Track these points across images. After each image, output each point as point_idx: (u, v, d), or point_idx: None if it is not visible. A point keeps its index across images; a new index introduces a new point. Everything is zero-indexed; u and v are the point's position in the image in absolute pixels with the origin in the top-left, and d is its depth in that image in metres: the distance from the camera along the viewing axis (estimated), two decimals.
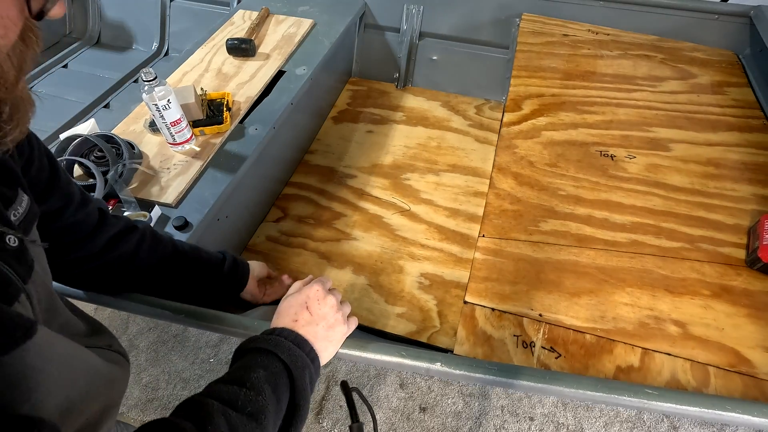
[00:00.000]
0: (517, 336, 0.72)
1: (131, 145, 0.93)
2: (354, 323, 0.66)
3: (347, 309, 0.65)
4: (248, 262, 0.81)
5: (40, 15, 0.30)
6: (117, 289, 0.68)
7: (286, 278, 0.86)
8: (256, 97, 1.09)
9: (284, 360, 0.52)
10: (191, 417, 0.40)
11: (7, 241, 0.35)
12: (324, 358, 0.60)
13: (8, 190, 0.39)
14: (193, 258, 0.73)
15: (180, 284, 0.73)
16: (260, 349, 0.53)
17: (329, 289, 0.65)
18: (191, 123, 0.98)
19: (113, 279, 0.66)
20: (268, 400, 0.47)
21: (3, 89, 0.30)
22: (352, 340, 0.64)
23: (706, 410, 0.55)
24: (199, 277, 0.73)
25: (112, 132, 0.94)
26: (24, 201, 0.41)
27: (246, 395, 0.45)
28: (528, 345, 0.70)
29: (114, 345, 0.49)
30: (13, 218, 0.38)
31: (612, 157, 0.98)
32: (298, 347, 0.55)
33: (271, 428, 0.46)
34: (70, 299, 0.53)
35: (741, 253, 0.82)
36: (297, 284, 0.68)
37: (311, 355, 0.56)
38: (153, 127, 0.99)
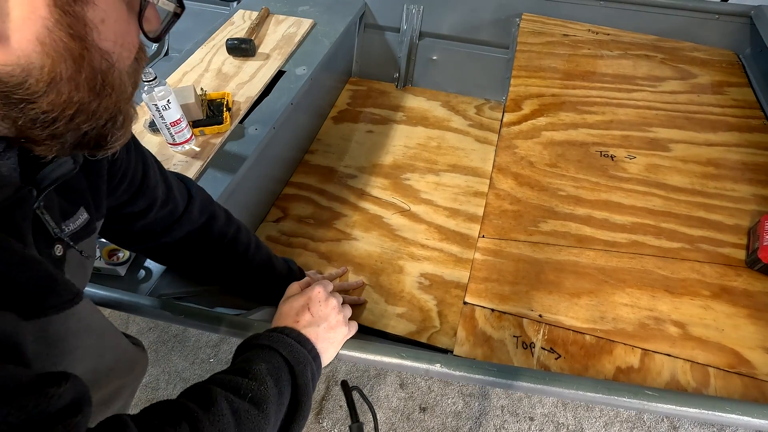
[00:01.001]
0: (517, 337, 0.72)
1: None
2: (354, 327, 0.66)
3: (348, 312, 0.66)
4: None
5: (155, 39, 0.36)
6: (179, 269, 0.75)
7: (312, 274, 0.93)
8: (256, 97, 1.09)
9: (286, 356, 0.52)
10: (195, 399, 0.41)
11: (54, 250, 0.40)
12: (325, 359, 0.60)
13: (69, 206, 0.43)
14: (260, 271, 0.78)
15: (240, 284, 0.80)
16: (262, 345, 0.53)
17: (330, 293, 0.66)
18: (191, 123, 0.98)
19: (180, 264, 0.73)
20: (270, 391, 0.47)
21: (123, 101, 0.35)
22: (352, 340, 0.64)
23: (705, 411, 0.55)
24: (262, 285, 0.80)
25: None
26: (81, 218, 0.45)
27: (248, 384, 0.46)
28: (528, 346, 0.70)
29: (131, 338, 0.52)
30: (65, 229, 0.42)
31: (612, 157, 0.98)
32: (300, 345, 0.55)
33: (273, 419, 0.46)
34: None
35: (741, 254, 0.82)
36: (294, 285, 0.68)
37: (313, 353, 0.56)
38: (153, 127, 0.99)
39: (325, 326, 0.60)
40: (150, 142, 0.97)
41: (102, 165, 0.49)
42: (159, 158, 0.94)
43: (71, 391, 0.28)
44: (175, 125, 0.90)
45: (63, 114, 0.31)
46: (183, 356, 1.41)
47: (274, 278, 0.80)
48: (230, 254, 0.72)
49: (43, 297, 0.33)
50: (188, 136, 0.94)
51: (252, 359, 0.50)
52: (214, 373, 0.49)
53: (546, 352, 0.70)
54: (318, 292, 0.63)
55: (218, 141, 0.98)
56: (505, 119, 1.07)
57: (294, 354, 0.53)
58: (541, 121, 1.07)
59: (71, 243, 0.42)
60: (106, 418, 0.32)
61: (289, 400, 0.50)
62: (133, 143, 0.56)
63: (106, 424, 0.31)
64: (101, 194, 0.50)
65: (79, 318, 0.37)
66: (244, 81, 1.13)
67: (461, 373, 0.61)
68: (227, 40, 1.18)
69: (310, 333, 0.58)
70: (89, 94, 0.31)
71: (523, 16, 1.37)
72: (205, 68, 1.17)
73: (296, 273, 0.86)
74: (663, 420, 1.15)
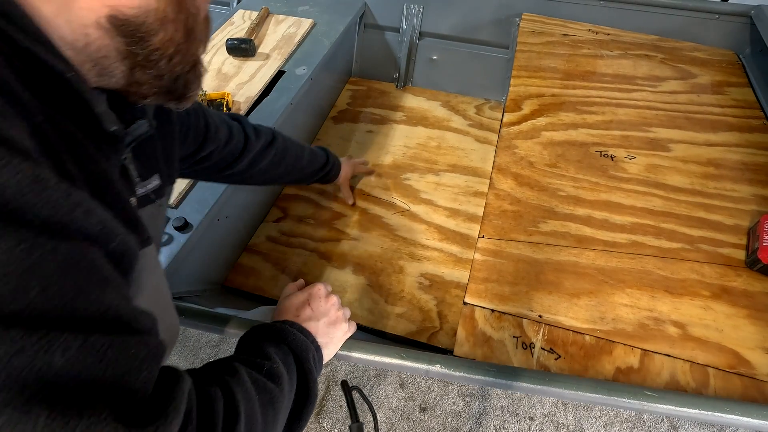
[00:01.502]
0: (517, 337, 0.72)
1: None
2: (353, 326, 0.66)
3: (347, 312, 0.66)
4: (340, 162, 1.09)
5: None
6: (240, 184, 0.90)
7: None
8: (256, 97, 1.09)
9: (289, 343, 0.52)
10: (220, 369, 0.42)
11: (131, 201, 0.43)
12: (324, 355, 0.60)
13: (145, 171, 0.47)
14: (308, 163, 0.96)
15: (289, 179, 1.02)
16: (265, 334, 0.53)
17: (329, 292, 0.66)
18: None
19: (247, 183, 0.89)
20: (281, 369, 0.47)
21: (201, 49, 0.40)
22: (352, 340, 0.64)
23: (705, 412, 0.55)
24: (305, 177, 1.00)
25: None
26: (153, 183, 0.49)
27: (261, 362, 0.47)
28: (528, 346, 0.71)
29: None
30: (139, 190, 0.46)
31: (612, 157, 0.98)
32: (302, 334, 0.55)
33: (287, 395, 0.47)
34: None
35: (741, 254, 0.82)
36: (291, 286, 0.68)
37: (314, 343, 0.56)
38: None
39: (325, 321, 0.61)
40: None
41: (174, 128, 0.54)
42: None
43: (157, 340, 0.31)
44: None
45: (166, 52, 0.35)
46: (183, 356, 1.41)
47: (317, 168, 1.00)
48: (283, 163, 0.87)
49: (134, 230, 0.37)
50: None
51: (258, 346, 0.50)
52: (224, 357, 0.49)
53: (546, 352, 0.70)
54: (318, 289, 0.64)
55: None
56: (505, 119, 1.07)
57: (297, 342, 0.53)
58: (541, 121, 1.07)
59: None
60: (163, 367, 0.33)
61: (297, 386, 0.50)
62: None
63: (164, 370, 0.32)
64: (174, 160, 0.54)
65: (148, 259, 0.40)
66: (244, 81, 1.13)
67: (461, 374, 0.61)
68: (227, 40, 1.18)
69: (310, 327, 0.58)
70: (184, 35, 0.36)
71: (523, 16, 1.37)
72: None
73: (332, 161, 1.04)
74: (663, 420, 1.15)
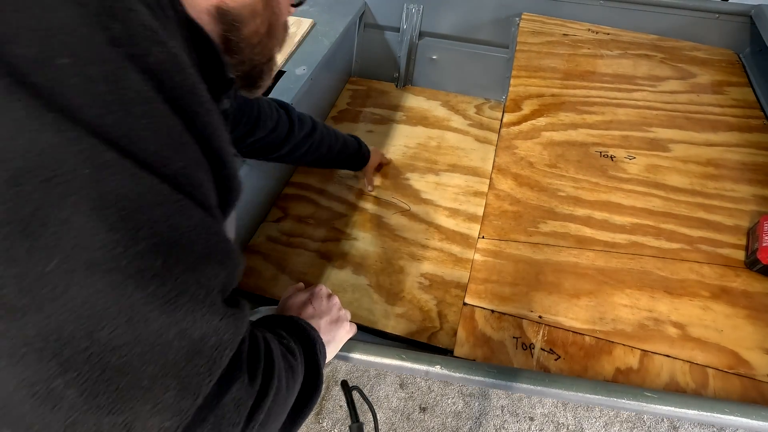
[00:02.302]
0: (517, 338, 0.72)
1: None
2: (354, 328, 0.66)
3: (348, 314, 0.66)
4: (370, 151, 1.15)
5: (298, 4, 0.49)
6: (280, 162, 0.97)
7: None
8: None
9: (297, 334, 0.52)
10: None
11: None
12: (327, 353, 0.60)
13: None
14: (340, 152, 1.04)
15: (323, 164, 1.07)
16: (272, 323, 0.53)
17: (331, 293, 0.66)
18: None
19: (284, 162, 0.97)
20: (295, 348, 0.48)
21: (277, 49, 0.47)
22: (352, 341, 0.65)
23: (704, 413, 0.56)
24: (338, 163, 1.10)
25: None
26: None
27: (278, 334, 0.48)
28: (528, 347, 0.71)
29: None
30: None
31: (612, 157, 0.98)
32: (305, 327, 0.55)
33: (301, 371, 0.47)
34: None
35: (740, 255, 0.82)
36: (292, 288, 0.69)
37: (319, 338, 0.56)
38: None
39: (327, 320, 0.61)
40: None
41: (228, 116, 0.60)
42: None
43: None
44: None
45: (251, 41, 0.42)
46: None
47: (349, 156, 1.08)
48: (319, 150, 0.96)
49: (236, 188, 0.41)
50: None
51: (270, 327, 0.50)
52: None
53: (545, 353, 0.70)
54: (320, 289, 0.65)
55: None
56: (504, 119, 1.07)
57: (304, 332, 0.53)
58: (541, 121, 1.07)
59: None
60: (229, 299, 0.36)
61: (305, 372, 0.50)
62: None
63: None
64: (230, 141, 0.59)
65: (230, 220, 0.48)
66: None
67: (461, 375, 0.61)
68: None
69: (313, 324, 0.58)
70: (267, 30, 0.43)
71: (522, 16, 1.36)
72: None
73: (364, 149, 1.12)
74: (663, 420, 1.15)
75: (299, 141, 0.89)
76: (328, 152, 0.99)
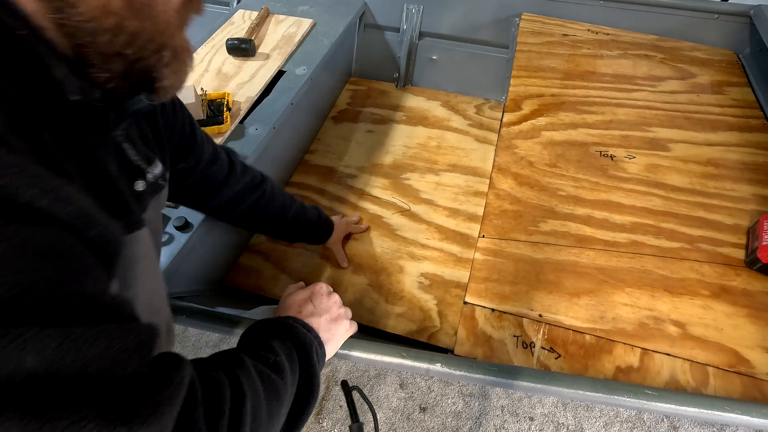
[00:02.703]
0: (517, 336, 0.72)
1: None
2: (354, 326, 0.66)
3: (349, 312, 0.66)
4: (333, 220, 1.01)
5: None
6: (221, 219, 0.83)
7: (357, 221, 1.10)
8: (256, 97, 1.09)
9: (292, 339, 0.52)
10: (226, 359, 0.43)
11: (135, 186, 0.43)
12: (327, 352, 0.60)
13: (151, 154, 0.47)
14: (297, 216, 0.88)
15: (273, 230, 0.91)
16: (268, 329, 0.53)
17: (331, 291, 0.66)
18: None
19: (229, 221, 0.82)
20: (285, 362, 0.47)
21: (168, 35, 0.35)
22: (352, 340, 0.64)
23: (705, 411, 0.55)
24: (292, 233, 0.92)
25: None
26: (158, 168, 0.47)
27: (265, 354, 0.47)
28: (528, 345, 0.71)
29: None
30: (148, 175, 0.45)
31: (612, 157, 0.99)
32: (305, 329, 0.55)
33: (290, 388, 0.47)
34: None
35: (740, 254, 0.82)
36: (292, 287, 0.69)
37: (317, 339, 0.56)
38: None
39: (327, 317, 0.61)
40: None
41: (159, 122, 0.52)
42: None
43: (146, 328, 0.29)
44: None
45: (103, 24, 0.31)
46: None
47: (307, 224, 0.93)
48: (269, 209, 0.82)
49: (125, 212, 0.37)
50: None
51: (262, 338, 0.50)
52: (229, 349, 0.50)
53: (546, 351, 0.70)
54: (321, 287, 0.65)
55: (219, 141, 0.98)
56: (504, 119, 1.07)
57: (300, 337, 0.53)
58: (541, 121, 1.07)
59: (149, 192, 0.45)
60: (162, 353, 0.32)
61: (300, 380, 0.50)
62: (179, 106, 0.60)
63: (163, 357, 0.31)
64: (166, 149, 0.52)
65: (141, 243, 0.40)
66: (244, 81, 1.13)
67: (462, 373, 0.61)
68: (227, 40, 1.18)
69: (312, 323, 0.59)
70: (127, 8, 0.31)
71: (522, 16, 1.37)
72: (205, 68, 1.17)
73: (324, 218, 0.97)
74: (663, 420, 1.15)
75: (242, 189, 0.75)
76: (281, 214, 0.85)
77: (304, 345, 0.53)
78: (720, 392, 0.65)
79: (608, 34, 1.32)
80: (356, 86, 1.55)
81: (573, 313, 0.74)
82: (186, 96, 0.96)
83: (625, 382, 0.66)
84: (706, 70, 1.20)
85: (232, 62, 1.19)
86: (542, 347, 0.70)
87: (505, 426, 1.09)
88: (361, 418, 0.70)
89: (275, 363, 0.46)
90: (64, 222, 0.26)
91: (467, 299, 0.77)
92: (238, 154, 0.80)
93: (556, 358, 0.69)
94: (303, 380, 0.50)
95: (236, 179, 0.74)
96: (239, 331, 0.65)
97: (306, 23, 1.33)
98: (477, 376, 0.61)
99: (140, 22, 0.33)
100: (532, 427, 1.13)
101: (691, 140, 1.02)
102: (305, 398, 0.49)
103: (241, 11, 1.37)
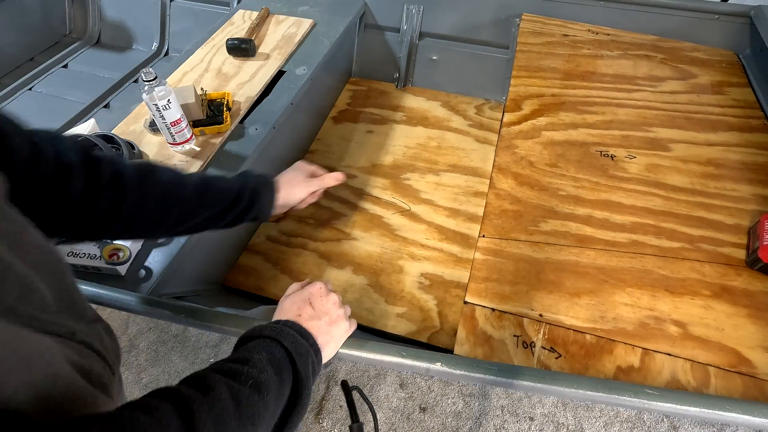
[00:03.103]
0: (518, 336, 0.71)
1: (131, 145, 0.93)
2: (354, 324, 0.66)
3: (348, 310, 0.66)
4: (276, 181, 0.73)
5: None
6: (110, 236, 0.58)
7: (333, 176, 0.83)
8: (256, 97, 1.09)
9: (287, 347, 0.52)
10: (193, 385, 0.40)
11: None
12: (326, 354, 0.60)
13: None
14: (205, 193, 0.63)
15: (187, 226, 0.63)
16: (263, 336, 0.53)
17: (330, 290, 0.66)
18: (191, 123, 0.98)
19: (99, 232, 0.56)
20: (271, 379, 0.47)
21: None
22: (352, 339, 0.64)
23: (706, 410, 0.55)
24: (209, 219, 0.65)
25: (112, 132, 0.94)
26: None
27: (249, 371, 0.45)
28: (528, 345, 0.70)
29: (78, 335, 0.36)
30: None
31: (612, 157, 0.98)
32: (302, 337, 0.55)
33: (272, 406, 0.46)
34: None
35: (741, 254, 0.82)
36: (294, 285, 0.68)
37: (314, 346, 0.56)
38: (153, 127, 0.99)
39: (327, 320, 0.61)
40: (150, 141, 0.97)
41: None
42: (159, 158, 0.95)
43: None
44: (175, 125, 0.90)
45: None
46: (183, 356, 1.41)
47: (219, 199, 0.65)
48: (152, 203, 0.58)
49: None
50: (188, 136, 0.94)
51: (253, 349, 0.50)
52: (214, 362, 0.48)
53: (546, 351, 0.70)
54: (319, 287, 0.64)
55: (218, 141, 0.98)
56: (505, 119, 1.07)
57: (296, 345, 0.53)
58: (541, 121, 1.07)
59: None
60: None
61: (290, 392, 0.49)
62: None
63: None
64: None
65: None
66: (244, 81, 1.13)
67: (462, 372, 0.61)
68: (227, 40, 1.18)
69: (311, 327, 0.58)
70: None
71: (523, 17, 1.37)
72: (205, 68, 1.18)
73: (252, 182, 0.68)
74: (663, 420, 1.15)
75: (87, 189, 0.50)
76: (172, 200, 0.59)
77: (299, 355, 0.52)
78: (721, 392, 0.65)
79: (608, 35, 1.32)
80: (356, 86, 1.55)
81: (573, 312, 0.74)
82: (186, 96, 0.97)
83: (626, 381, 0.66)
84: (706, 71, 1.20)
85: (232, 62, 1.19)
86: (543, 347, 0.70)
87: (505, 426, 1.08)
88: (361, 418, 0.70)
89: (257, 383, 0.45)
90: None
91: (467, 299, 0.76)
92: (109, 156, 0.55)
93: (556, 358, 0.69)
94: (292, 392, 0.50)
95: (76, 176, 0.50)
96: (239, 331, 0.65)
97: (306, 23, 1.33)
98: (477, 375, 0.61)
99: None
100: (532, 427, 1.13)
101: (692, 140, 1.02)
102: (290, 411, 0.49)
103: (241, 11, 1.37)
